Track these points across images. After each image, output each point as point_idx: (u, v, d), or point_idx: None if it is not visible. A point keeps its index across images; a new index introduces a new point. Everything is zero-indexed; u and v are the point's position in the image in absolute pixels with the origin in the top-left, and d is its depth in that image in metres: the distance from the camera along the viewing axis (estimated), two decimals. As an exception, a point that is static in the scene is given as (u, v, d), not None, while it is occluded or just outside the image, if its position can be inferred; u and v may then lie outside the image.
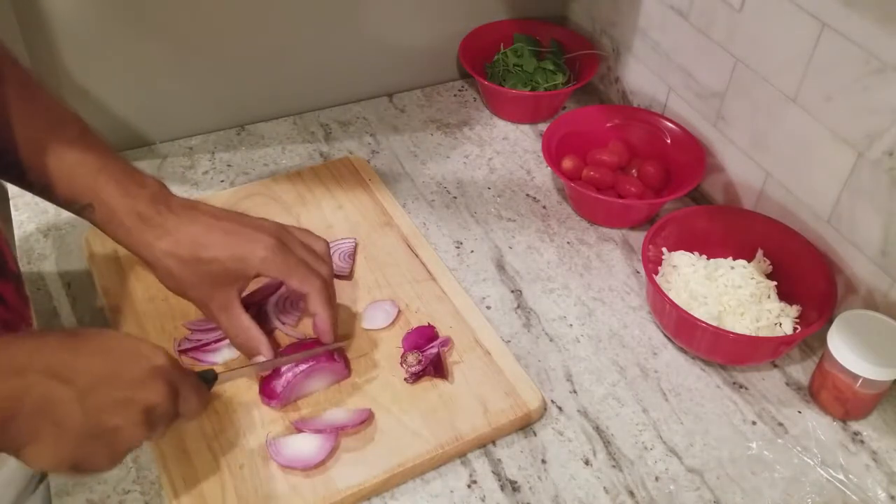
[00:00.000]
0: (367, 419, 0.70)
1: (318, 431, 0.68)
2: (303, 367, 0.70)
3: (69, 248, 0.87)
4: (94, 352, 0.54)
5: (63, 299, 0.82)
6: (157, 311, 0.78)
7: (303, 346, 0.72)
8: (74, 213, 0.67)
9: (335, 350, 0.72)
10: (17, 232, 0.89)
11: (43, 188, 0.66)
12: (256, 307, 0.77)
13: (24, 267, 0.85)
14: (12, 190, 0.92)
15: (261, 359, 0.69)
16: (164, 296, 0.77)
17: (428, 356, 0.74)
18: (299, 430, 0.68)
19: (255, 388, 0.71)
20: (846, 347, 0.70)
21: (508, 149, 1.05)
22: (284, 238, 0.69)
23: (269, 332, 0.76)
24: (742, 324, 0.77)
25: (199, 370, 0.64)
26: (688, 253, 0.83)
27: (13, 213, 0.91)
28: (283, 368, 0.70)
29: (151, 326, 0.77)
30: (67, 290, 0.83)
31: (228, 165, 1.01)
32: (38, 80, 0.67)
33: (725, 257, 0.84)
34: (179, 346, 0.75)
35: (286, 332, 0.76)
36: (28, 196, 0.89)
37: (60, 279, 0.84)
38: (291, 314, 0.78)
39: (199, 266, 0.66)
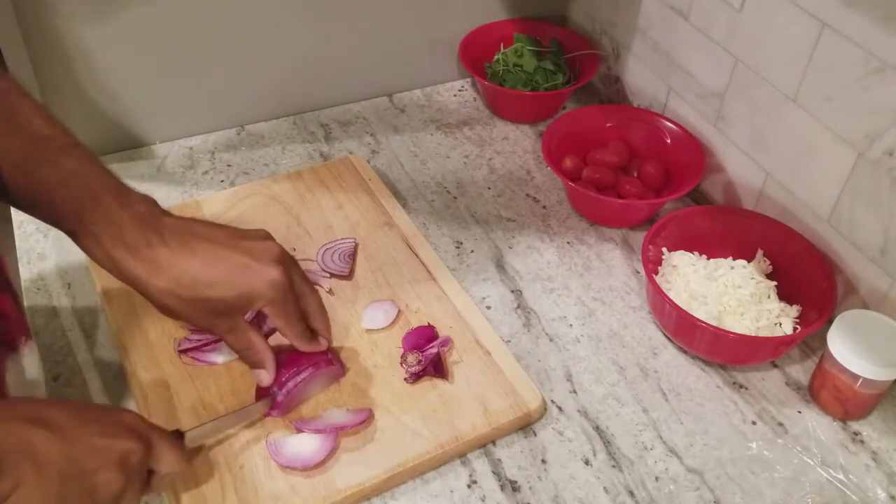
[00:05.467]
0: (366, 419, 0.70)
1: (318, 431, 0.68)
2: (303, 375, 0.70)
3: (69, 248, 0.87)
4: (65, 408, 0.54)
5: (63, 299, 0.82)
6: (158, 312, 0.78)
7: (305, 352, 0.72)
8: (65, 233, 0.63)
9: (330, 353, 0.72)
10: (17, 232, 0.89)
11: (27, 207, 0.62)
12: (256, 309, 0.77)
13: (23, 267, 0.85)
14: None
15: (263, 373, 0.69)
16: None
17: (428, 356, 0.74)
18: (299, 431, 0.68)
19: (255, 388, 0.71)
20: (846, 347, 0.70)
21: (508, 149, 1.05)
22: (288, 268, 0.66)
23: (268, 333, 0.76)
24: (742, 324, 0.77)
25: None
26: (688, 253, 0.83)
27: (13, 213, 0.91)
28: (284, 377, 0.69)
29: (151, 326, 0.77)
30: (67, 290, 0.83)
31: (228, 165, 1.01)
32: (23, 88, 0.62)
33: (725, 257, 0.84)
34: (179, 346, 0.75)
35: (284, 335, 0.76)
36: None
37: (60, 279, 0.84)
38: None
39: (200, 304, 0.63)
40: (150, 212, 0.63)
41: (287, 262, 0.67)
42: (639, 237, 0.91)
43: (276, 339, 0.72)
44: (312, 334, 0.71)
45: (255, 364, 0.69)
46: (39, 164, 0.60)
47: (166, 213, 0.64)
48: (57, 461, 0.50)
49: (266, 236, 0.68)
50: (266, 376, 0.69)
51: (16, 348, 0.62)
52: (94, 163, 0.62)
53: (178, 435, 0.63)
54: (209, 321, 0.65)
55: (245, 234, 0.67)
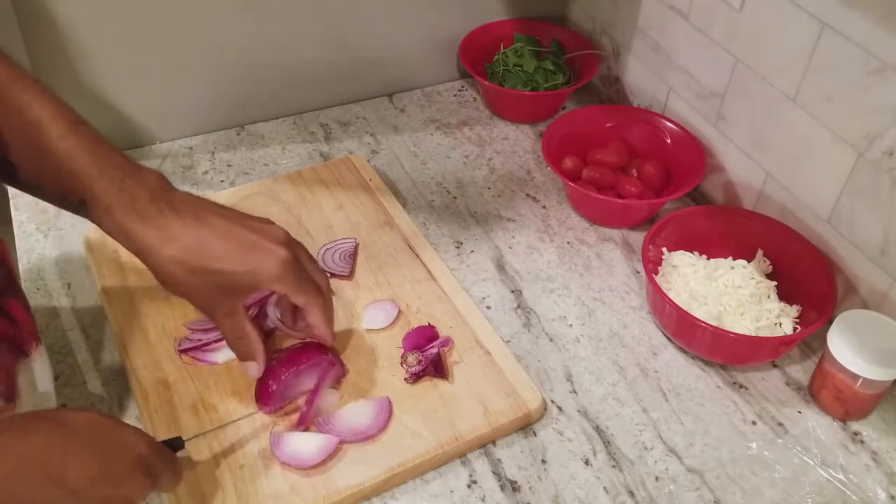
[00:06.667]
0: (385, 424, 0.70)
1: (328, 433, 0.68)
2: (302, 378, 0.70)
3: (69, 249, 0.87)
4: (82, 445, 0.53)
5: (63, 299, 0.82)
6: (158, 310, 0.78)
7: (303, 351, 0.72)
8: (70, 211, 0.64)
9: (331, 353, 0.72)
10: (17, 232, 0.89)
11: (35, 186, 0.63)
12: (258, 306, 0.77)
13: (23, 267, 0.85)
14: (12, 190, 0.92)
15: (253, 365, 0.69)
16: (164, 295, 0.77)
17: (428, 356, 0.74)
18: (319, 431, 0.68)
19: (254, 388, 0.71)
20: (846, 347, 0.70)
21: (508, 149, 1.05)
22: (295, 249, 0.66)
23: (269, 331, 0.76)
24: (742, 324, 0.77)
25: (164, 439, 0.62)
26: (688, 253, 0.83)
27: (13, 213, 0.91)
28: (283, 375, 0.69)
29: (151, 326, 0.77)
30: (67, 290, 0.83)
31: (228, 165, 1.01)
32: (27, 71, 0.63)
33: (725, 257, 0.84)
34: (179, 345, 0.75)
35: (286, 332, 0.76)
36: (28, 196, 0.88)
37: (60, 279, 0.84)
38: (291, 314, 0.78)
39: (208, 276, 0.63)
40: (162, 185, 0.64)
41: (293, 244, 0.67)
42: (639, 237, 0.91)
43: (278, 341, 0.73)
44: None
45: (245, 355, 0.69)
46: (49, 139, 0.60)
47: (177, 189, 0.65)
48: None
49: (270, 222, 0.68)
50: (255, 368, 0.69)
51: (28, 353, 0.62)
52: (103, 139, 0.63)
53: (178, 443, 0.63)
54: (211, 299, 0.65)
55: (251, 216, 0.67)
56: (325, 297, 0.69)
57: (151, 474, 0.57)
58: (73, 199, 0.62)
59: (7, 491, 0.48)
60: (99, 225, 0.63)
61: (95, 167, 0.61)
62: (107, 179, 0.61)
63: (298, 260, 0.66)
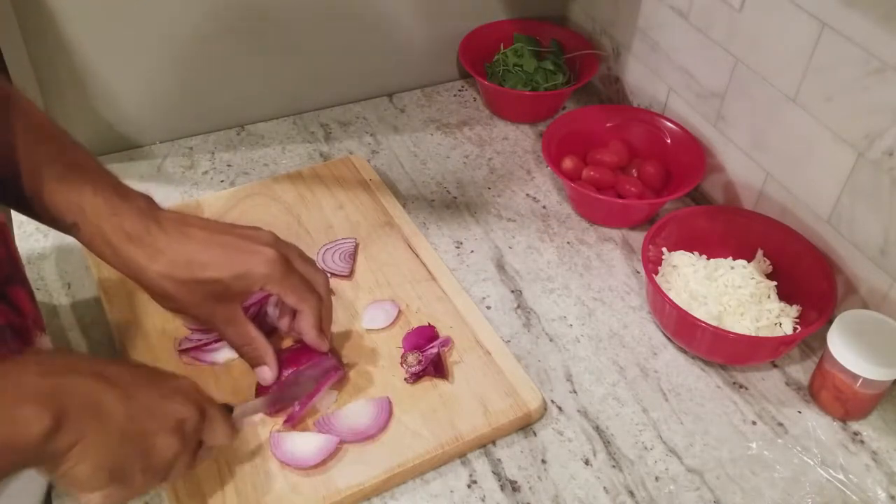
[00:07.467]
0: (386, 423, 0.70)
1: (328, 433, 0.68)
2: (307, 383, 0.70)
3: (69, 248, 0.87)
4: (128, 367, 0.57)
5: (63, 299, 0.82)
6: (158, 310, 0.77)
7: (303, 351, 0.72)
8: (61, 231, 0.64)
9: (333, 358, 0.72)
10: (18, 232, 0.89)
11: (25, 206, 0.63)
12: (257, 307, 0.77)
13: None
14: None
15: (266, 370, 0.69)
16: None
17: (428, 356, 0.74)
18: (320, 431, 0.68)
19: (255, 387, 0.71)
20: (846, 347, 0.70)
21: (508, 149, 1.05)
22: (283, 249, 0.67)
23: (269, 331, 0.76)
24: (742, 324, 0.77)
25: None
26: (688, 253, 0.83)
27: (13, 213, 0.91)
28: (284, 378, 0.69)
29: (152, 326, 0.77)
30: (67, 289, 0.83)
31: (228, 165, 1.01)
32: (21, 93, 0.64)
33: (725, 257, 0.84)
34: (180, 345, 0.75)
35: (286, 333, 0.76)
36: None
37: (60, 279, 0.84)
38: (291, 314, 0.78)
39: (198, 287, 0.63)
40: (149, 206, 0.65)
41: (281, 245, 0.67)
42: (639, 237, 0.91)
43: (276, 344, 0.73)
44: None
45: (255, 360, 0.69)
46: (40, 161, 0.62)
47: (163, 209, 0.66)
48: (119, 420, 0.52)
49: (257, 228, 0.69)
50: (269, 373, 0.69)
51: (31, 342, 0.63)
52: (95, 161, 0.65)
53: (227, 409, 0.63)
54: (207, 309, 0.65)
55: (238, 225, 0.68)
56: (320, 299, 0.69)
57: (199, 404, 0.58)
58: (64, 220, 0.63)
59: (66, 381, 0.50)
60: (89, 247, 0.64)
61: (87, 190, 0.62)
62: (98, 201, 0.62)
63: (288, 260, 0.67)
